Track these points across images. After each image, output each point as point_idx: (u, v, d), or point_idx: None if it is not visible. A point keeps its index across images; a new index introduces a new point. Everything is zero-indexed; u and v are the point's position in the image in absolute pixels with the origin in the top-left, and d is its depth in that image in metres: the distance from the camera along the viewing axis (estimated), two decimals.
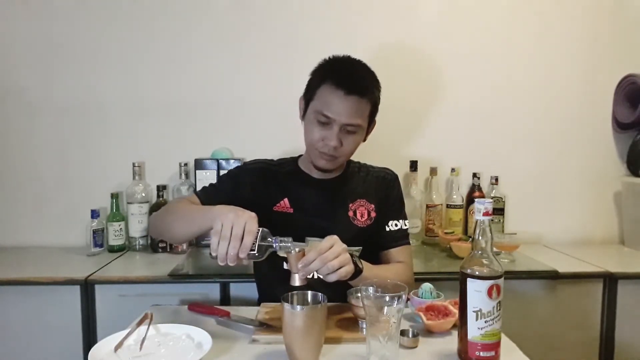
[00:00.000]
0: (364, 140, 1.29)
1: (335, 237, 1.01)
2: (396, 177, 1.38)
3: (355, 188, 1.33)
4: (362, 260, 1.09)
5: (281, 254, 1.00)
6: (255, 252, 0.95)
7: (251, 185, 1.30)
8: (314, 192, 1.31)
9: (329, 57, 1.25)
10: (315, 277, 1.03)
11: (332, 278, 0.99)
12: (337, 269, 0.98)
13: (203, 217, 1.05)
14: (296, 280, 0.98)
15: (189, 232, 1.12)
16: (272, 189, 1.30)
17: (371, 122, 1.27)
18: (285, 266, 1.25)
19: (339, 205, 1.30)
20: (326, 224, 1.19)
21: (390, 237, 1.31)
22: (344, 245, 1.01)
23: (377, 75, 1.25)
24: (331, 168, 1.27)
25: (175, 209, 1.20)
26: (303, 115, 1.27)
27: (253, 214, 0.99)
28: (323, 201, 1.30)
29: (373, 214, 1.31)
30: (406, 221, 1.35)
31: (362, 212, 1.30)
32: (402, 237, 1.32)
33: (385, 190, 1.34)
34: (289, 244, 0.97)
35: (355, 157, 1.39)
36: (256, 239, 0.95)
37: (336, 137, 1.19)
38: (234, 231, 0.94)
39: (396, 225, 1.32)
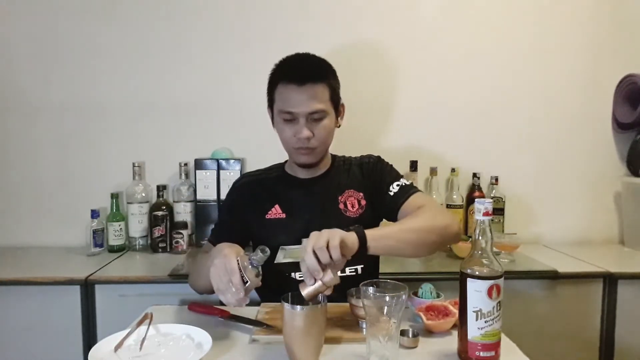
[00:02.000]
0: (339, 126, 1.31)
1: (311, 234, 0.96)
2: (377, 157, 1.38)
3: (341, 180, 1.33)
4: (362, 227, 1.04)
5: (284, 260, 1.02)
6: (247, 282, 0.96)
7: (242, 203, 1.33)
8: (303, 192, 1.32)
9: (279, 61, 1.28)
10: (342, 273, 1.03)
11: (342, 259, 0.94)
12: (334, 251, 0.92)
13: (206, 275, 1.05)
14: (306, 292, 0.94)
15: (210, 288, 1.07)
16: (261, 199, 1.32)
17: (337, 105, 1.28)
18: (298, 276, 1.25)
19: (328, 201, 1.30)
20: (319, 222, 1.19)
21: (397, 196, 1.26)
22: (333, 229, 0.96)
23: (327, 61, 1.27)
24: (313, 161, 1.28)
25: (195, 270, 1.26)
26: (273, 123, 1.30)
27: (226, 251, 1.00)
28: (312, 200, 1.31)
29: (363, 202, 1.31)
30: (405, 180, 1.31)
31: (352, 202, 1.30)
32: (407, 190, 1.27)
33: (370, 174, 1.34)
34: (264, 254, 0.97)
35: (349, 154, 1.40)
36: (241, 271, 0.96)
37: (305, 128, 1.20)
38: (223, 280, 0.96)
39: (397, 185, 1.28)
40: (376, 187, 1.31)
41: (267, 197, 1.32)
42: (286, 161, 1.39)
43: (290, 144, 1.25)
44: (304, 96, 1.19)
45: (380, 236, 1.05)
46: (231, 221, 1.33)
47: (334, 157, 1.39)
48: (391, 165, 1.37)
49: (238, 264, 0.97)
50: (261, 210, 1.31)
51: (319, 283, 0.91)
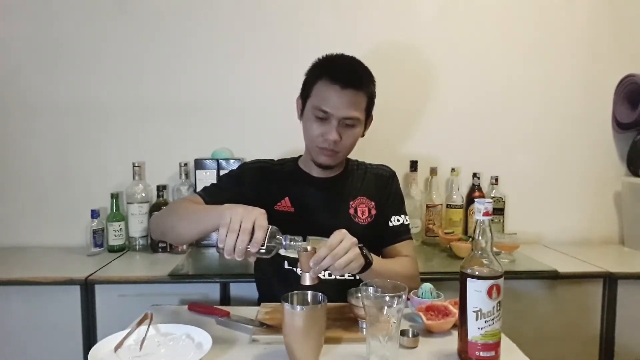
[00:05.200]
0: (363, 135, 1.30)
1: (343, 231, 1.00)
2: (393, 173, 1.40)
3: (355, 186, 1.34)
4: (371, 254, 1.08)
5: (288, 253, 0.99)
6: (264, 248, 0.94)
7: (253, 183, 1.30)
8: (315, 190, 1.31)
9: (323, 56, 1.27)
10: (327, 275, 1.03)
11: (341, 272, 0.99)
12: (347, 265, 0.98)
13: (209, 214, 1.04)
14: (307, 280, 0.97)
15: (194, 232, 1.09)
16: (273, 187, 1.31)
17: (368, 116, 1.29)
18: (286, 265, 1.25)
19: (339, 203, 1.30)
20: (327, 222, 1.19)
21: (394, 232, 1.32)
22: (354, 239, 1.01)
23: (370, 70, 1.26)
24: (332, 164, 1.28)
25: (179, 209, 1.18)
26: (301, 115, 1.29)
27: (263, 210, 0.98)
28: (324, 199, 1.30)
29: (373, 212, 1.32)
30: (407, 216, 1.36)
31: (362, 210, 1.31)
32: (404, 231, 1.33)
33: (384, 187, 1.36)
34: (299, 243, 0.97)
35: (354, 157, 1.40)
36: (266, 234, 0.94)
37: (335, 131, 1.20)
38: (244, 225, 0.93)
39: (398, 220, 1.33)
40: (383, 206, 1.33)
41: (278, 188, 1.31)
42: (299, 157, 1.38)
43: (316, 142, 1.23)
44: (343, 100, 1.18)
45: (375, 270, 1.08)
46: (235, 192, 1.26)
47: (348, 160, 1.38)
48: (401, 189, 1.40)
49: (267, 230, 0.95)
50: (270, 199, 1.29)
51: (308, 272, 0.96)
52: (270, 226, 0.96)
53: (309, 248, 0.96)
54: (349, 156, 1.39)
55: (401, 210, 1.35)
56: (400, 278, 1.15)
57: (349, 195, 1.32)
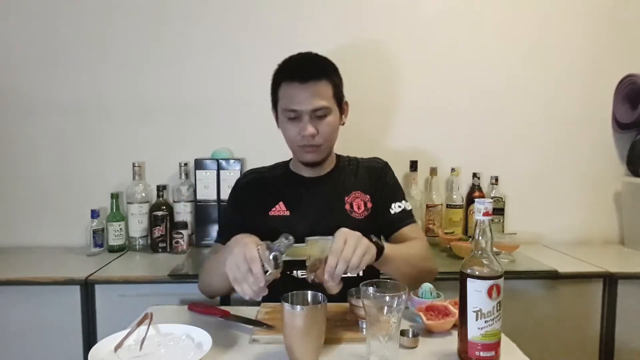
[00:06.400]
0: (342, 123, 1.31)
1: (344, 230, 0.99)
2: (385, 163, 1.39)
3: (348, 181, 1.34)
4: (382, 239, 1.08)
5: (290, 256, 0.99)
6: (269, 272, 0.93)
7: (246, 199, 1.33)
8: (308, 191, 1.32)
9: (281, 61, 1.29)
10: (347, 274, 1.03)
11: (359, 270, 0.98)
12: (362, 260, 0.97)
13: (222, 269, 1.03)
14: (333, 289, 0.97)
15: (228, 285, 1.05)
16: (265, 196, 1.32)
17: (341, 103, 1.29)
18: (300, 274, 1.25)
19: (334, 200, 1.30)
20: (324, 221, 1.19)
21: (397, 218, 1.31)
22: (357, 233, 0.99)
23: (329, 59, 1.28)
24: (318, 159, 1.28)
25: (209, 268, 1.22)
26: (278, 123, 1.31)
27: (246, 240, 0.98)
28: (318, 199, 1.31)
29: (369, 205, 1.31)
30: (407, 203, 1.34)
31: (358, 204, 1.31)
32: (408, 216, 1.32)
33: (378, 179, 1.35)
34: (290, 243, 0.95)
35: (354, 155, 1.40)
36: (262, 260, 0.93)
37: (309, 125, 1.21)
38: (241, 270, 0.93)
39: (399, 206, 1.32)
40: (379, 196, 1.32)
41: (271, 194, 1.32)
42: (290, 159, 1.39)
43: (295, 142, 1.25)
44: (307, 93, 1.20)
45: (389, 256, 1.07)
46: (237, 218, 1.31)
47: (338, 156, 1.39)
48: (396, 178, 1.39)
49: (258, 252, 0.94)
50: (264, 206, 1.30)
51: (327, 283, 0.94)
52: (259, 247, 0.94)
53: (310, 259, 0.97)
54: (341, 153, 1.40)
55: (400, 197, 1.34)
56: (415, 260, 1.17)
57: (343, 191, 1.32)
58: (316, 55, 1.28)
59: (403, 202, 1.33)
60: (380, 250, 1.05)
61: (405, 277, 1.11)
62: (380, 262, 1.06)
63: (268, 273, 0.93)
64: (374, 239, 1.05)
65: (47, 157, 1.97)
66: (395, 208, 1.31)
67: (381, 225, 1.31)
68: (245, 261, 0.93)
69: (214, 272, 1.15)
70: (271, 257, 0.93)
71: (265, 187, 1.33)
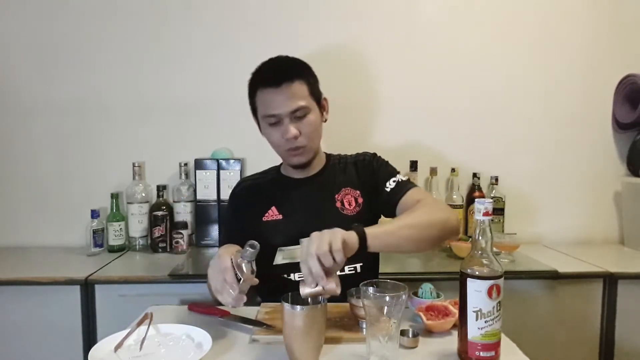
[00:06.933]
0: (325, 120, 1.31)
1: (313, 234, 0.95)
2: (373, 154, 1.37)
3: (336, 179, 1.33)
4: (361, 225, 1.04)
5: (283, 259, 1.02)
6: (241, 280, 0.97)
7: (241, 208, 1.35)
8: (299, 193, 1.32)
9: (254, 70, 1.30)
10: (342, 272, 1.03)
11: (343, 262, 0.94)
12: (341, 254, 0.92)
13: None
14: (332, 291, 0.92)
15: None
16: (258, 202, 1.32)
17: (319, 101, 1.28)
18: (297, 277, 1.25)
19: (325, 200, 1.30)
20: (316, 221, 1.18)
21: (394, 192, 1.26)
22: (328, 230, 0.96)
23: (299, 59, 1.28)
24: (305, 160, 1.28)
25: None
26: (261, 130, 1.31)
27: (220, 252, 1.05)
28: (309, 199, 1.31)
29: (360, 200, 1.30)
30: (402, 175, 1.30)
31: (349, 200, 1.30)
32: (404, 185, 1.27)
33: (365, 171, 1.33)
34: (254, 249, 0.98)
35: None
36: (234, 269, 0.98)
37: (290, 127, 1.21)
38: (218, 280, 0.99)
39: (394, 181, 1.28)
40: (372, 184, 1.30)
41: (263, 200, 1.32)
42: (282, 163, 1.39)
43: (281, 146, 1.25)
44: (282, 97, 1.20)
45: (380, 233, 1.04)
46: (235, 227, 1.33)
47: (328, 156, 1.39)
48: (387, 161, 1.36)
49: (232, 262, 0.98)
50: (258, 213, 1.31)
51: (319, 287, 0.91)
52: (233, 257, 0.99)
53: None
54: (330, 152, 1.40)
55: (393, 174, 1.30)
56: (419, 219, 1.11)
57: (332, 189, 1.31)
58: (286, 57, 1.29)
59: (397, 176, 1.29)
60: (362, 236, 1.01)
61: (418, 243, 1.09)
62: (371, 243, 1.02)
63: (241, 281, 0.97)
64: (353, 226, 1.02)
65: (47, 157, 1.97)
66: (390, 184, 1.27)
67: (383, 209, 1.29)
68: (220, 271, 0.99)
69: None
70: (243, 265, 0.98)
71: (258, 194, 1.34)
